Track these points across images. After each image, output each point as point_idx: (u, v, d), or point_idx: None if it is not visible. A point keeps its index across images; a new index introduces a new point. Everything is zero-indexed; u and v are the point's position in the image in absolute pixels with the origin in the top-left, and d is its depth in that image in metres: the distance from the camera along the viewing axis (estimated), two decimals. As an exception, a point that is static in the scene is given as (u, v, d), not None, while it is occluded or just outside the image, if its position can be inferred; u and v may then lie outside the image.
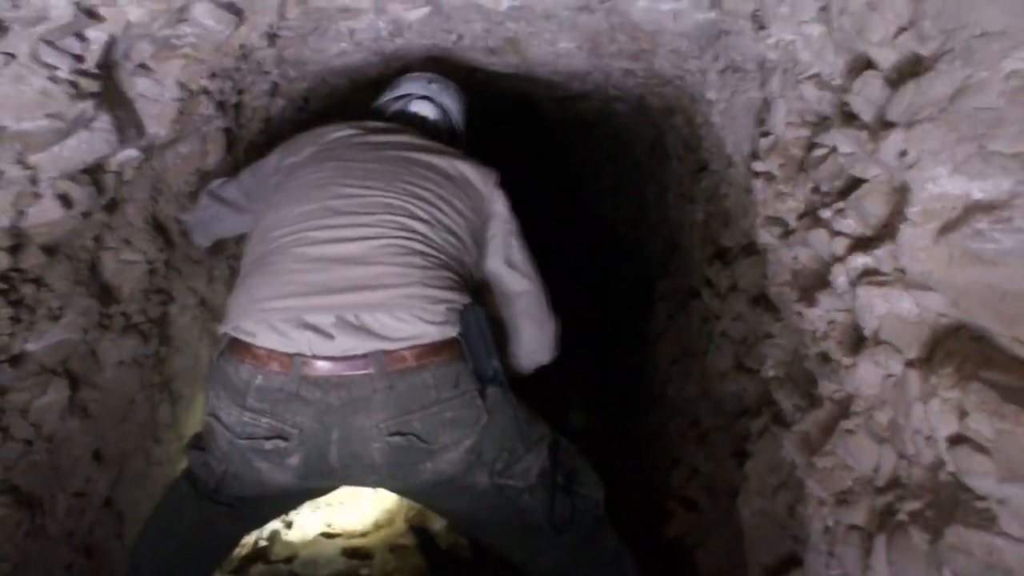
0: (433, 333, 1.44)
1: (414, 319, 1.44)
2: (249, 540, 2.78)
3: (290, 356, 1.40)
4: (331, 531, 2.90)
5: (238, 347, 1.46)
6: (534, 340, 1.91)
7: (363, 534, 2.84)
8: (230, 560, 2.67)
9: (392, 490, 1.69)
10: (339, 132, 1.85)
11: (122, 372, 2.05)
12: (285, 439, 1.40)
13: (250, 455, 1.45)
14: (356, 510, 3.09)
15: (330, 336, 1.40)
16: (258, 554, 2.71)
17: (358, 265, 1.47)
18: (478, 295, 1.70)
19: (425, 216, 1.60)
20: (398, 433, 1.40)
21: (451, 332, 1.47)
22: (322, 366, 1.39)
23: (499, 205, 1.83)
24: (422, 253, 1.53)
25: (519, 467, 1.56)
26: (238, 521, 1.72)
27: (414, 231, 1.56)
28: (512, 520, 1.62)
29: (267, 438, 1.41)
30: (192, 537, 1.68)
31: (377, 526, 2.94)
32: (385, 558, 2.63)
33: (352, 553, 2.71)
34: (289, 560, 2.65)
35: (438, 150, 1.85)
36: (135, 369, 2.11)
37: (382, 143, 1.82)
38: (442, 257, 1.57)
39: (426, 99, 2.16)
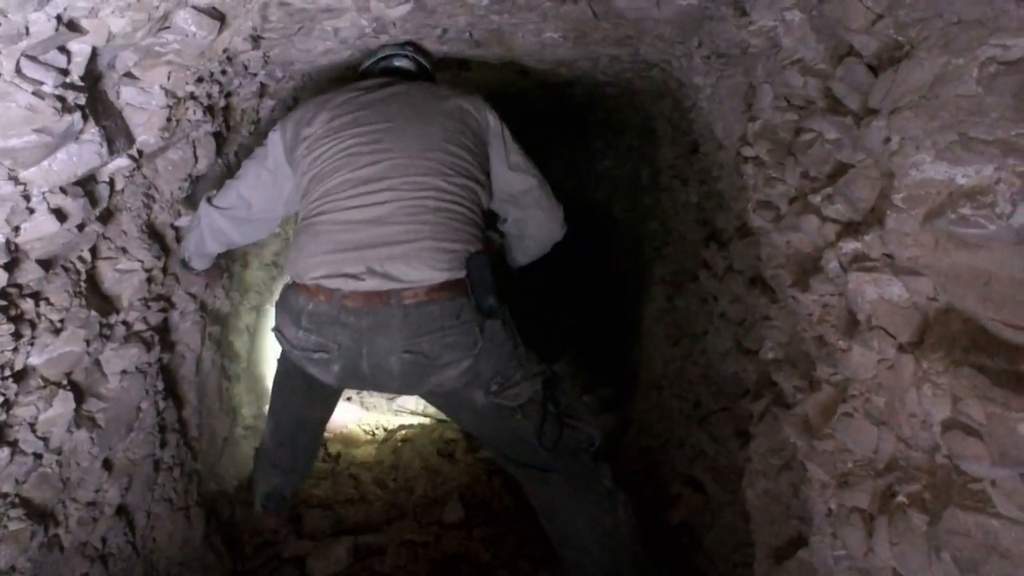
0: (439, 277, 1.79)
1: (424, 267, 1.79)
2: (259, 540, 2.81)
3: (331, 291, 1.80)
4: (342, 528, 2.91)
5: (297, 285, 1.89)
6: (547, 224, 2.28)
7: (374, 530, 2.85)
8: (242, 558, 2.70)
9: (410, 394, 2.17)
10: (343, 95, 2.09)
11: (127, 381, 2.06)
12: (327, 352, 1.83)
13: (304, 362, 1.91)
14: (365, 507, 3.11)
15: (361, 279, 1.78)
16: (268, 554, 2.73)
17: (381, 225, 1.82)
18: (487, 236, 2.06)
19: (437, 167, 1.91)
20: (408, 351, 1.79)
21: (457, 275, 1.82)
22: (355, 299, 1.78)
23: (492, 119, 2.12)
24: (434, 210, 1.85)
25: (512, 391, 1.89)
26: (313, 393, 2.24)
27: (428, 187, 1.87)
28: (508, 438, 1.97)
29: (315, 351, 1.85)
30: (293, 400, 2.29)
31: (388, 522, 2.96)
32: (397, 553, 2.65)
33: (363, 550, 2.72)
34: (300, 559, 2.67)
35: (432, 92, 2.12)
36: (139, 377, 2.12)
37: (386, 97, 2.08)
38: (453, 207, 1.89)
39: (403, 56, 2.40)
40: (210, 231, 2.18)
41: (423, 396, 2.07)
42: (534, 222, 2.27)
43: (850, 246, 1.25)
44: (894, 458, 1.18)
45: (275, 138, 2.12)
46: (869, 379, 1.25)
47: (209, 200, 2.16)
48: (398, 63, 2.39)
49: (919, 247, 1.02)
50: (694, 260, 2.92)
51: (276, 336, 2.00)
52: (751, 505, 1.98)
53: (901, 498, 1.12)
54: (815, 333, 1.49)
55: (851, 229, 1.29)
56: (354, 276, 1.78)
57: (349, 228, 1.84)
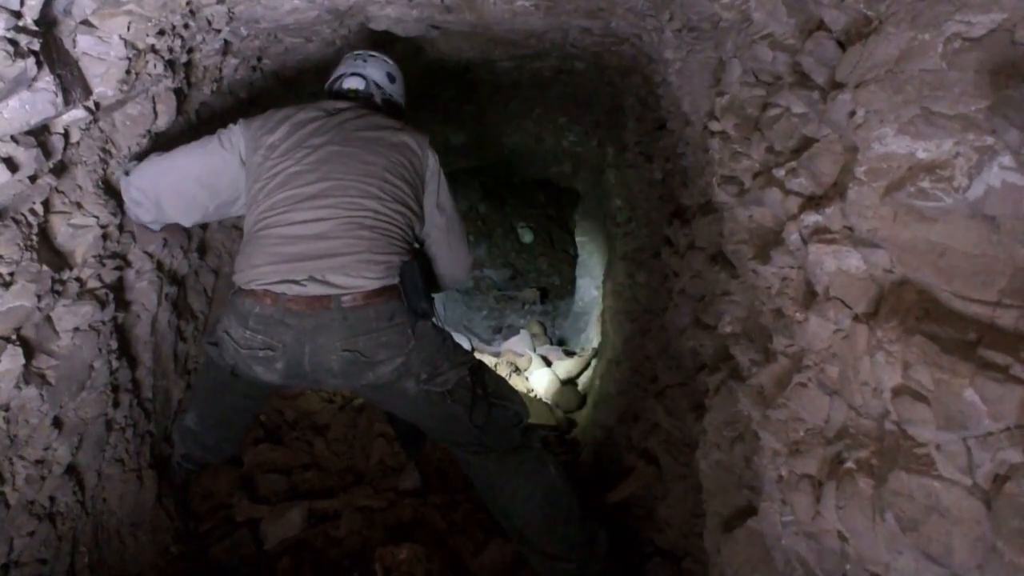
0: (375, 284, 1.98)
1: (361, 275, 1.97)
2: (213, 504, 2.78)
3: (277, 295, 1.96)
4: (297, 493, 2.90)
5: (244, 291, 2.03)
6: (451, 265, 2.50)
7: (329, 496, 2.85)
8: (195, 521, 2.68)
9: (348, 389, 2.40)
10: (305, 114, 2.24)
11: (79, 339, 2.01)
12: (273, 350, 1.98)
13: (249, 361, 2.03)
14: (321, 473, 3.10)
15: (304, 285, 1.95)
16: (221, 517, 2.71)
17: (322, 239, 1.99)
18: (419, 251, 2.27)
19: (376, 192, 2.08)
20: (347, 350, 1.96)
21: (391, 281, 2.01)
22: (298, 303, 1.94)
23: (431, 161, 2.30)
24: (370, 227, 2.03)
25: (440, 379, 2.08)
26: (253, 389, 2.35)
27: (366, 208, 2.05)
28: (442, 420, 2.16)
29: (261, 349, 1.98)
30: (226, 393, 2.36)
31: (344, 487, 2.96)
32: (352, 518, 2.65)
33: (318, 515, 2.72)
34: (254, 522, 2.66)
35: (383, 125, 2.28)
36: (92, 335, 2.08)
37: (341, 123, 2.22)
38: (387, 226, 2.07)
39: (355, 75, 2.52)
40: (132, 203, 2.16)
41: (359, 391, 2.27)
42: (442, 261, 2.47)
43: (811, 219, 1.28)
44: (844, 426, 1.22)
45: (238, 129, 2.21)
46: (824, 349, 1.28)
47: (127, 172, 2.14)
48: (348, 84, 2.50)
49: (878, 220, 1.05)
50: (656, 237, 2.95)
51: (222, 339, 2.08)
52: (704, 476, 2.03)
53: (849, 464, 1.16)
54: (773, 306, 1.52)
55: (813, 202, 1.32)
56: (298, 283, 1.94)
57: (293, 241, 2.00)
